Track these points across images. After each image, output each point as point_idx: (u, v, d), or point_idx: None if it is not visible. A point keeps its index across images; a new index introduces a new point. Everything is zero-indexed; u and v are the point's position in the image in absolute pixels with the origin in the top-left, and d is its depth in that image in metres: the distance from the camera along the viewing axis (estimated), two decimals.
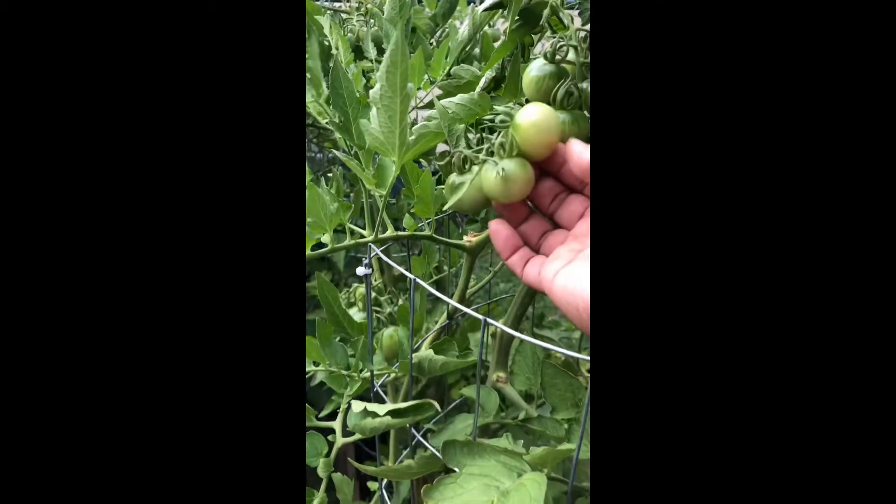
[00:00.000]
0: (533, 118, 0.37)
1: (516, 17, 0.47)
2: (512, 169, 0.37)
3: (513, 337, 0.59)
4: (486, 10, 0.51)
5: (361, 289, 0.68)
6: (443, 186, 0.44)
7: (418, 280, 0.43)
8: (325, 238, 0.46)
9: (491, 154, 0.39)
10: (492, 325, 0.38)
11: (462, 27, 0.63)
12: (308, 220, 0.45)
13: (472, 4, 0.70)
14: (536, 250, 0.40)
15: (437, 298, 0.83)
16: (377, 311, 0.61)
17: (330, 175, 0.61)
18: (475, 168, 0.40)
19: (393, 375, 0.56)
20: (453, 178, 0.41)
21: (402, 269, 0.44)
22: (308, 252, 0.46)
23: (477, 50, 0.67)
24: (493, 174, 0.37)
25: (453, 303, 0.41)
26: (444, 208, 0.39)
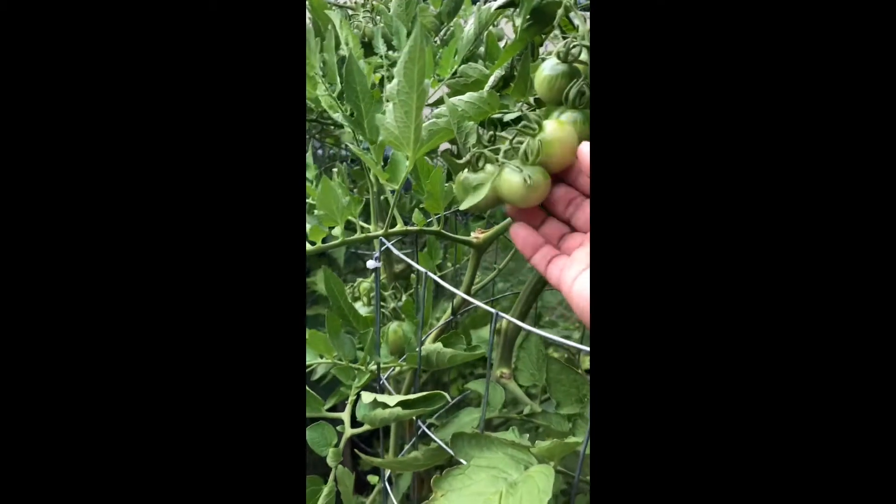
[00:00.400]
0: (560, 133, 0.38)
1: (527, 17, 0.48)
2: (536, 177, 0.38)
3: (517, 334, 0.60)
4: (497, 8, 0.51)
5: (365, 284, 0.69)
6: (451, 183, 0.44)
7: (429, 273, 0.43)
8: (337, 231, 0.47)
9: (509, 157, 0.39)
10: (503, 318, 0.39)
11: (467, 26, 0.64)
12: (320, 212, 0.45)
13: (476, 3, 0.70)
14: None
15: (438, 296, 0.83)
16: (381, 306, 0.61)
17: (335, 170, 0.62)
18: (488, 167, 0.40)
19: (398, 369, 0.56)
20: (466, 175, 0.41)
21: (412, 262, 0.44)
22: (318, 245, 0.47)
23: (482, 49, 0.68)
24: (518, 179, 0.37)
25: (463, 294, 0.42)
26: (461, 208, 0.40)
